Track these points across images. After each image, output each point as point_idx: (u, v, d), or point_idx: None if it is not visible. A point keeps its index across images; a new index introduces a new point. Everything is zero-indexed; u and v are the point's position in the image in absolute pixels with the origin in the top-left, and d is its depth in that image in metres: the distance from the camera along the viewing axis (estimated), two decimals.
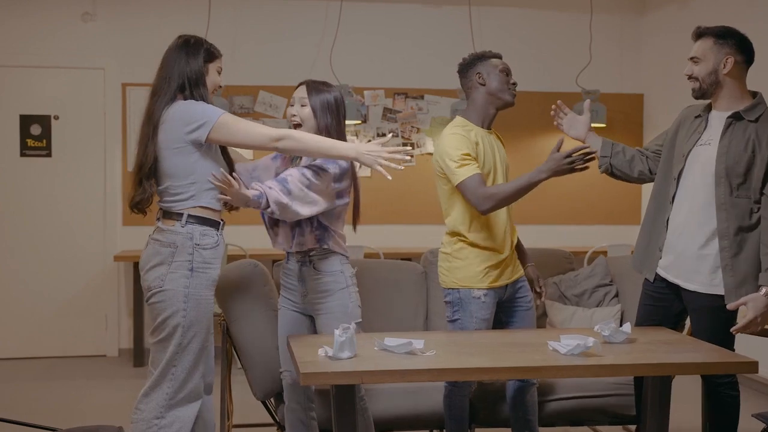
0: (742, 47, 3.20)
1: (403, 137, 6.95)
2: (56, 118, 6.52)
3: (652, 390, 3.07)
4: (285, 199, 3.05)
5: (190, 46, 3.14)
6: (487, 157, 3.39)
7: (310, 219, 3.21)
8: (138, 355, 6.25)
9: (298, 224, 3.23)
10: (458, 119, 3.44)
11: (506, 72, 3.43)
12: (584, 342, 2.83)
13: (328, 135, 3.25)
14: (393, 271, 4.30)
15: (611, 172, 3.52)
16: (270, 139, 3.03)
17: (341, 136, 3.32)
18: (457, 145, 3.31)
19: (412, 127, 6.95)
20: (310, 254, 3.27)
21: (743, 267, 3.14)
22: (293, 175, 3.11)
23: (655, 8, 7.01)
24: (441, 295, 4.10)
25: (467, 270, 3.36)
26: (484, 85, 3.39)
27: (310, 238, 3.24)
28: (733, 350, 3.17)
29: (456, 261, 3.38)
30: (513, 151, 7.00)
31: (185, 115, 3.04)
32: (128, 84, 6.60)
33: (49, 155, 6.52)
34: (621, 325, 3.13)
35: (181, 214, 3.08)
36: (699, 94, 3.24)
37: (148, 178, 3.10)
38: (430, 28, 6.97)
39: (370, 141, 6.83)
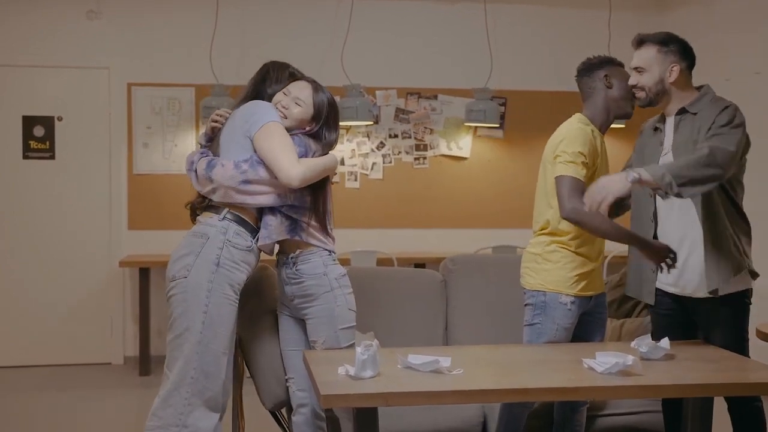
0: (684, 53, 3.16)
1: (415, 138, 6.81)
2: (60, 119, 6.40)
3: (693, 411, 2.92)
4: (193, 172, 3.15)
5: (276, 71, 3.27)
6: (602, 163, 3.30)
7: (274, 210, 3.13)
8: (144, 363, 6.11)
9: (261, 218, 3.16)
10: (582, 117, 3.32)
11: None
12: (623, 360, 2.68)
13: (319, 141, 3.21)
14: (410, 280, 4.15)
15: None
16: (290, 171, 2.98)
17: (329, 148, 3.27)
18: (581, 141, 3.18)
19: (425, 128, 6.81)
20: (292, 256, 3.16)
21: (723, 258, 3.07)
22: (225, 166, 3.07)
23: (675, 7, 6.86)
24: (461, 305, 4.00)
25: (557, 274, 3.23)
26: (610, 88, 3.28)
27: (279, 230, 3.13)
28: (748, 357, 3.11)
29: (546, 263, 3.26)
30: (526, 153, 6.94)
31: (248, 109, 3.12)
32: (134, 84, 6.47)
33: (52, 157, 6.40)
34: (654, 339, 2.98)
35: (222, 209, 3.09)
36: (645, 103, 3.21)
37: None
38: (444, 26, 6.82)
39: (382, 142, 6.76)
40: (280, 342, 3.34)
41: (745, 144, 3.08)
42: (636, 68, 3.17)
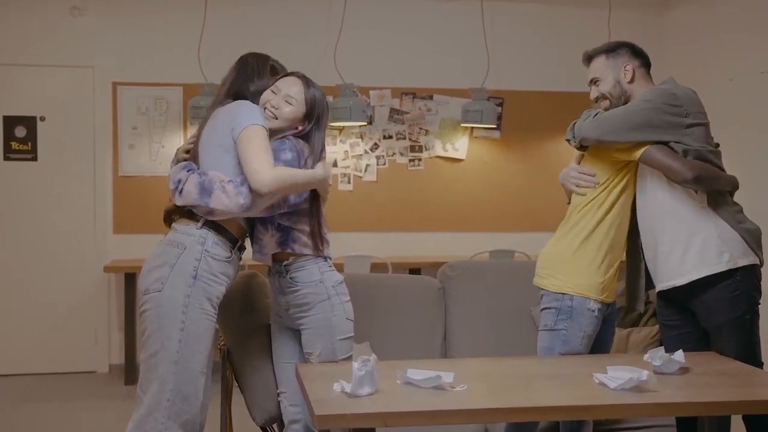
0: (634, 53, 3.17)
1: (410, 139, 6.68)
2: (42, 119, 6.26)
3: (710, 427, 2.75)
4: (178, 193, 2.91)
5: (256, 64, 3.07)
6: None
7: (266, 222, 2.96)
8: (130, 372, 5.97)
9: (253, 229, 3.01)
10: None
11: None
12: (637, 375, 2.52)
13: (311, 143, 3.03)
14: (407, 287, 3.97)
15: None
16: (262, 173, 2.76)
17: (320, 148, 3.07)
18: None
19: (420, 128, 6.68)
20: (286, 264, 3.00)
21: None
22: (227, 191, 2.87)
23: (676, 6, 6.73)
24: (461, 313, 3.84)
25: (589, 277, 3.08)
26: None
27: (270, 243, 2.97)
28: (761, 363, 3.03)
29: (574, 265, 3.10)
30: (524, 155, 6.82)
31: (233, 109, 2.92)
32: (119, 83, 6.32)
33: (34, 159, 6.26)
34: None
35: (200, 217, 2.89)
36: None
37: None
38: (440, 24, 6.69)
39: (376, 144, 6.61)
40: (273, 354, 3.18)
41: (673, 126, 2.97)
42: (592, 81, 3.18)
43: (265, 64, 3.06)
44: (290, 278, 2.98)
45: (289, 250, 2.97)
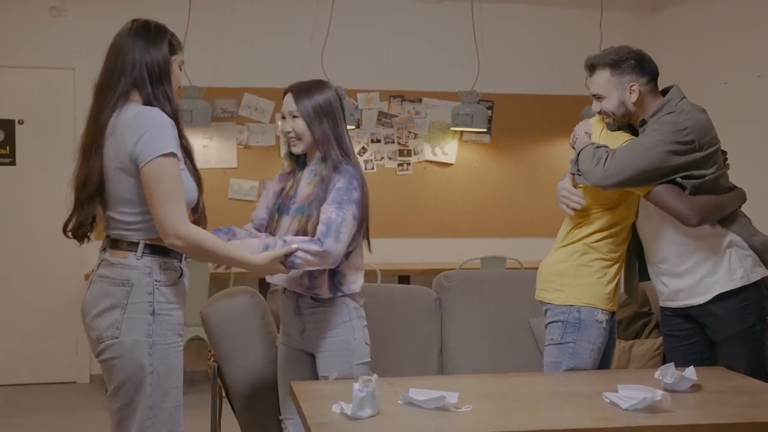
0: (641, 68, 2.97)
1: (399, 143, 6.55)
2: (21, 122, 6.12)
3: None
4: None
5: (151, 32, 2.65)
6: None
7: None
8: None
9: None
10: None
11: None
12: (651, 395, 2.42)
13: (327, 143, 2.89)
14: (401, 298, 3.85)
15: None
16: (173, 228, 2.42)
17: (342, 140, 2.93)
18: None
19: (409, 132, 6.57)
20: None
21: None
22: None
23: (670, 5, 6.67)
24: (458, 325, 3.73)
25: (595, 287, 2.98)
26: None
27: (323, 288, 2.83)
28: None
29: (580, 277, 2.99)
30: (514, 159, 6.73)
31: (138, 125, 2.47)
32: None
33: (13, 163, 6.12)
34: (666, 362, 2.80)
35: (137, 244, 2.51)
36: (615, 127, 3.05)
37: (91, 200, 2.54)
38: (429, 26, 6.59)
39: (364, 148, 6.48)
40: (279, 377, 3.03)
41: (691, 161, 2.87)
42: (594, 96, 3.02)
43: (164, 36, 2.66)
44: (311, 298, 2.86)
45: (339, 294, 2.85)
